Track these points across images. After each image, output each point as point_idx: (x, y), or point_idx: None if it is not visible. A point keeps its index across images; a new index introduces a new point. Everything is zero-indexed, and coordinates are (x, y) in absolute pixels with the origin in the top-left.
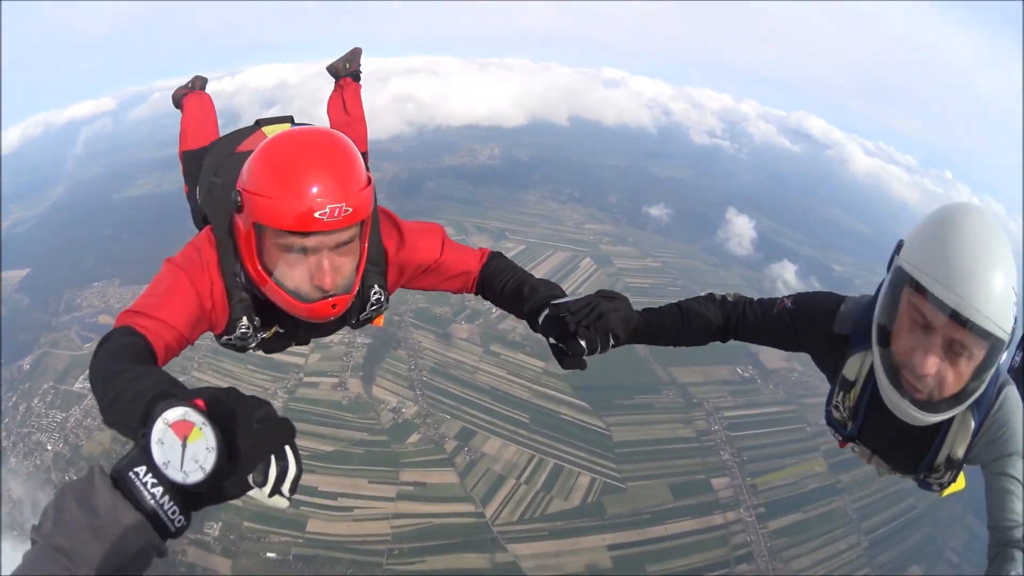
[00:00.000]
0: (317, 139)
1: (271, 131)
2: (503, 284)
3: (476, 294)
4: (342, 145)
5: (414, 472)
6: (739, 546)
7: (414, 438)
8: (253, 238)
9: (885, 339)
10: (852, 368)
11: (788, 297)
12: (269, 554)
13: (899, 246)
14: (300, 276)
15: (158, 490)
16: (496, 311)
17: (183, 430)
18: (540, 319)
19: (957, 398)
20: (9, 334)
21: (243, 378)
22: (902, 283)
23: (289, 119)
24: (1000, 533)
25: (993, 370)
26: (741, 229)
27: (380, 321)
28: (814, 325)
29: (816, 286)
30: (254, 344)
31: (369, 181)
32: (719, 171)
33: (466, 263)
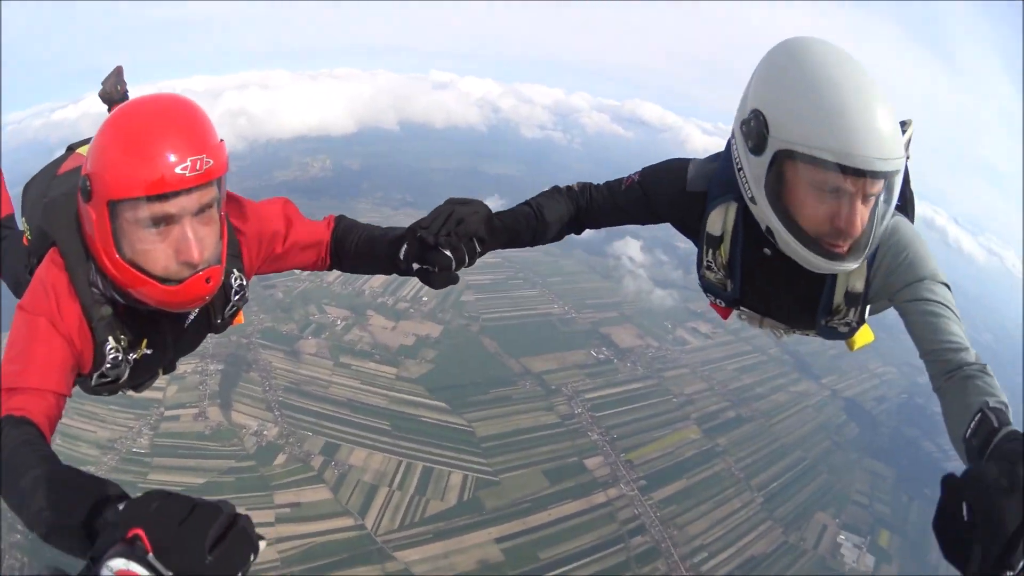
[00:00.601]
0: (161, 99)
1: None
2: (356, 241)
3: (330, 267)
4: (188, 102)
5: (287, 493)
6: (628, 520)
7: (280, 459)
8: (108, 223)
9: (785, 215)
10: (715, 223)
11: (635, 173)
12: None
13: (762, 121)
14: (164, 255)
15: None
16: (340, 322)
17: None
18: (401, 252)
19: (873, 235)
20: None
21: (108, 419)
22: (789, 161)
23: None
24: (943, 361)
25: (894, 198)
26: None
27: (241, 317)
28: (667, 188)
29: (663, 259)
30: (126, 372)
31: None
32: (552, 164)
33: (317, 232)
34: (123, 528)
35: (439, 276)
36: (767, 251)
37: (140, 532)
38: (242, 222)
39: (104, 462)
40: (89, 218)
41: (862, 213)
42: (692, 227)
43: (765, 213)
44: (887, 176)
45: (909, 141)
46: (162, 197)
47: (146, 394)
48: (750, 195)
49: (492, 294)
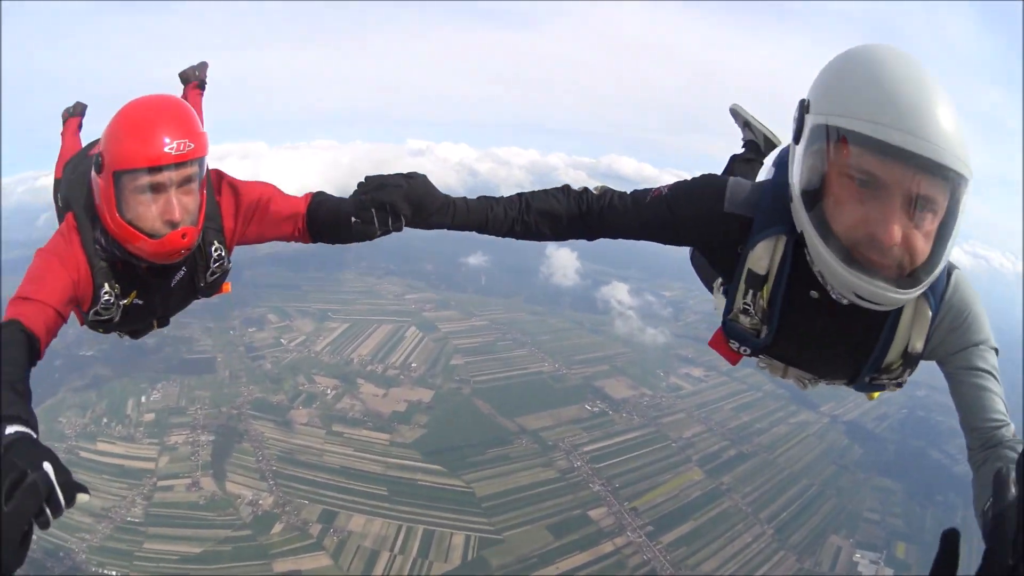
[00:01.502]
0: (159, 98)
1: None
2: (325, 212)
3: (311, 239)
4: (180, 102)
5: (286, 561)
6: (639, 566)
7: (277, 528)
8: (112, 189)
9: (823, 222)
10: (761, 259)
11: (664, 185)
12: None
13: (804, 105)
14: (153, 215)
15: None
16: (331, 391)
17: None
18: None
19: (930, 263)
20: None
21: (101, 488)
22: (828, 141)
23: None
24: (984, 435)
25: (959, 224)
26: (564, 261)
27: (228, 287)
28: (698, 207)
29: (651, 300)
30: (117, 316)
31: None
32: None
33: (295, 205)
34: None
35: (353, 227)
36: (814, 293)
37: None
38: (227, 198)
39: (99, 530)
40: (99, 187)
41: (904, 221)
42: (719, 253)
43: (798, 213)
44: (943, 173)
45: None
46: (154, 170)
47: (138, 464)
48: (789, 196)
49: (481, 356)
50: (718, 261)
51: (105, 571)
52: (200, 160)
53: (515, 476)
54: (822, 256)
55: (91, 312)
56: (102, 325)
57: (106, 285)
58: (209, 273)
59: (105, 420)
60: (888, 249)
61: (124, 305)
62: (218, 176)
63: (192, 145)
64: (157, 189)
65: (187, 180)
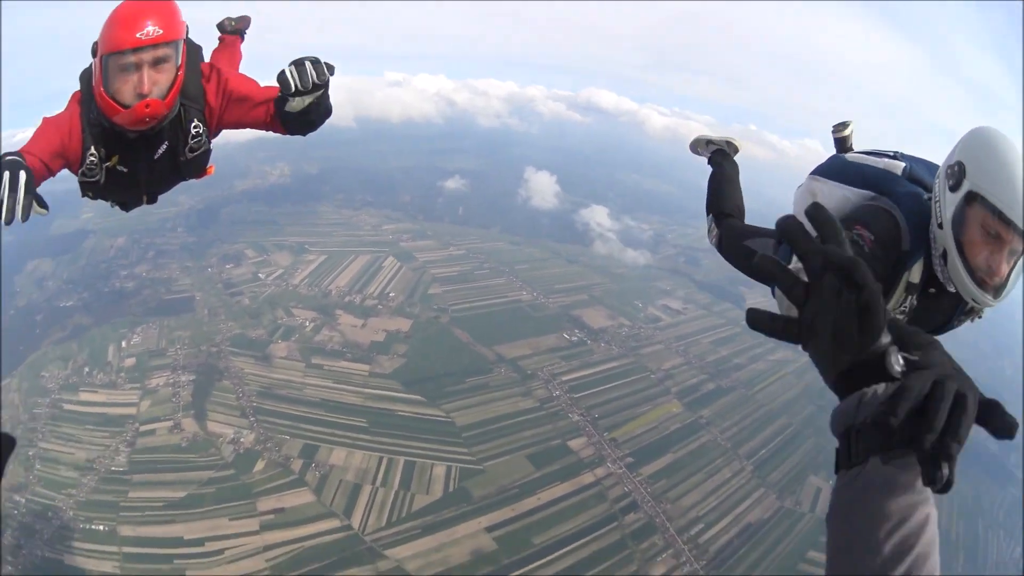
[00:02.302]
0: None
1: None
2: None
3: (280, 125)
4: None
5: (270, 499)
6: (619, 498)
7: (260, 465)
8: (100, 70)
9: (958, 244)
10: (915, 273)
11: (860, 227)
12: None
13: (962, 168)
14: (127, 89)
15: None
16: (309, 324)
17: None
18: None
19: (1009, 288)
20: None
21: (84, 439)
22: (976, 203)
23: None
24: None
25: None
26: (543, 185)
27: (211, 170)
28: (893, 253)
29: (631, 224)
30: (102, 178)
31: (186, 29)
32: (511, 152)
33: (269, 92)
34: None
35: (288, 77)
36: (932, 290)
37: None
38: (213, 82)
39: (84, 483)
40: (93, 68)
41: (1008, 261)
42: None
43: (946, 238)
44: None
45: (848, 137)
46: (126, 52)
47: (120, 411)
48: (939, 221)
49: (459, 285)
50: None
51: (93, 526)
52: (171, 43)
53: (494, 405)
54: (960, 274)
55: (80, 172)
56: (91, 188)
57: (92, 148)
58: (188, 149)
59: (87, 369)
60: (995, 279)
61: (107, 167)
62: (210, 66)
63: (160, 31)
64: (130, 69)
65: (160, 60)
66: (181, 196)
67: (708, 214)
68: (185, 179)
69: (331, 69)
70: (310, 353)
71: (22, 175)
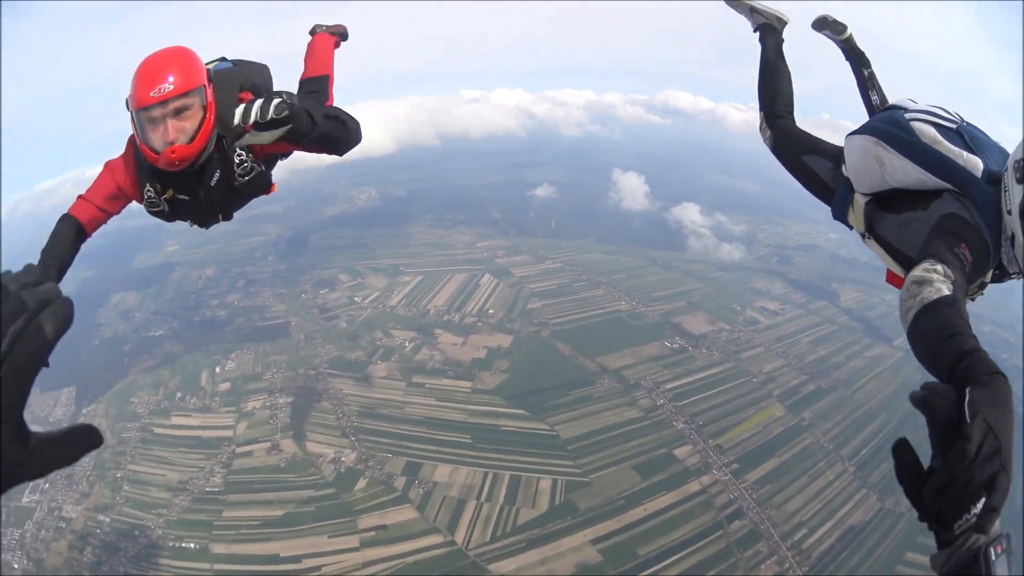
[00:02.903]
0: (158, 52)
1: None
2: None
3: (317, 150)
4: (172, 50)
5: (371, 517)
6: (725, 505)
7: (361, 483)
8: (134, 122)
9: None
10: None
11: (964, 247)
12: None
13: None
14: (157, 137)
15: None
16: (408, 344)
17: None
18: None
19: None
20: None
21: (177, 461)
22: None
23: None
24: None
25: None
26: (632, 186)
27: (274, 188)
28: (986, 262)
29: (722, 220)
30: (166, 207)
31: (206, 76)
32: (596, 160)
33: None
34: None
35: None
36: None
37: None
38: None
39: (176, 503)
40: (131, 121)
41: None
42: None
43: (1015, 224)
44: None
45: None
46: (145, 109)
47: (215, 434)
48: (1008, 208)
49: (558, 299)
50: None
51: (183, 543)
52: (188, 93)
53: (599, 417)
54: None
55: (144, 205)
56: (158, 215)
57: (147, 185)
58: (239, 175)
59: (179, 395)
60: None
61: (166, 199)
62: (248, 97)
63: (172, 87)
64: (154, 121)
65: (182, 109)
66: (268, 225)
67: (760, 111)
68: (250, 199)
69: (287, 107)
70: (411, 372)
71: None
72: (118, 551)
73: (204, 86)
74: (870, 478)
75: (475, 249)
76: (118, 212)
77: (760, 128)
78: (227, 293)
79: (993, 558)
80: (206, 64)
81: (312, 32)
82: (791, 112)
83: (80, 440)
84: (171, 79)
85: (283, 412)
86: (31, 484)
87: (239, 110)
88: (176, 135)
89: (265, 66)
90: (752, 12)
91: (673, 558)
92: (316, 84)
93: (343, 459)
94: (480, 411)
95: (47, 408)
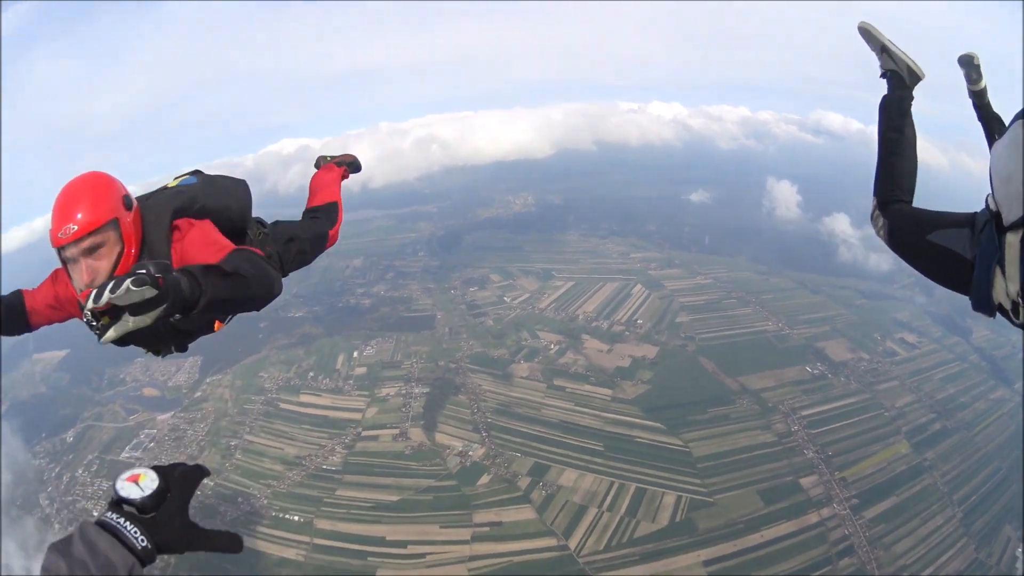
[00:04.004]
0: (69, 183)
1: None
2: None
3: None
4: (83, 181)
5: (488, 513)
6: (838, 541)
7: (485, 479)
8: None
9: None
10: None
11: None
12: None
13: None
14: (76, 279)
15: (122, 519)
16: (554, 346)
17: (133, 480)
18: None
19: None
20: (51, 409)
21: (298, 437)
22: None
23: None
24: None
25: None
26: (785, 194)
27: (219, 326)
28: None
29: (871, 232)
30: (100, 331)
31: (123, 205)
32: (751, 175)
33: (220, 255)
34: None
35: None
36: None
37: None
38: (175, 243)
39: (289, 477)
40: None
41: None
42: None
43: None
44: None
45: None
46: (58, 250)
47: (343, 415)
48: None
49: (707, 314)
50: None
51: (288, 515)
52: (97, 230)
53: (733, 437)
54: None
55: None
56: (99, 335)
57: (84, 310)
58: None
59: (311, 374)
60: None
61: (103, 324)
62: (188, 223)
63: (75, 228)
64: (70, 260)
65: (92, 248)
66: (422, 223)
67: (874, 195)
68: (198, 329)
69: (149, 280)
70: (553, 375)
71: None
72: (216, 514)
73: (118, 219)
74: (973, 526)
75: (628, 260)
76: (60, 321)
77: (871, 217)
78: (374, 283)
79: None
80: (175, 178)
81: (317, 164)
82: (911, 195)
83: (224, 541)
84: (79, 216)
85: (417, 402)
86: (133, 440)
87: (91, 295)
88: (91, 276)
89: (241, 182)
90: (883, 52)
91: None
92: (322, 212)
93: (471, 453)
94: (616, 420)
95: (168, 373)
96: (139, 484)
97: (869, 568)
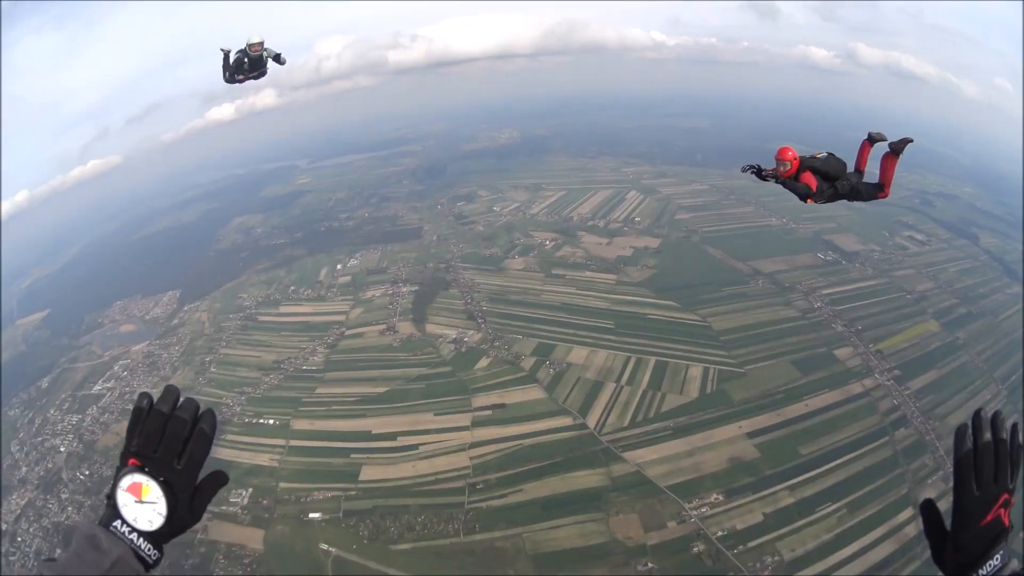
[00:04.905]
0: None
1: None
2: None
3: None
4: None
5: (489, 396)
6: (889, 411)
7: (483, 363)
8: None
9: None
10: None
11: None
12: (312, 515)
13: None
14: None
15: (134, 535)
16: (549, 243)
17: (135, 491)
18: None
19: None
20: (29, 361)
21: (276, 343)
22: None
23: None
24: None
25: None
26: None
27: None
28: None
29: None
30: None
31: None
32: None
33: None
34: (123, 459)
35: None
36: None
37: (132, 460)
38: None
39: (265, 382)
40: None
41: None
42: None
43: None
44: None
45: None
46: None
47: (325, 319)
48: None
49: (707, 212)
50: None
51: (261, 420)
52: None
53: (753, 312)
54: None
55: None
56: None
57: None
58: None
59: (292, 288)
60: None
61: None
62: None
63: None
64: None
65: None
66: (404, 159)
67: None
68: None
69: None
70: (550, 266)
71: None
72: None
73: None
74: (1021, 404)
75: (620, 173)
76: None
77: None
78: (357, 208)
79: None
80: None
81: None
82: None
83: (217, 482)
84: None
85: (405, 299)
86: (107, 373)
87: None
88: None
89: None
90: None
91: (837, 461)
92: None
93: (466, 339)
94: (625, 300)
95: (146, 309)
96: (142, 500)
97: (928, 439)
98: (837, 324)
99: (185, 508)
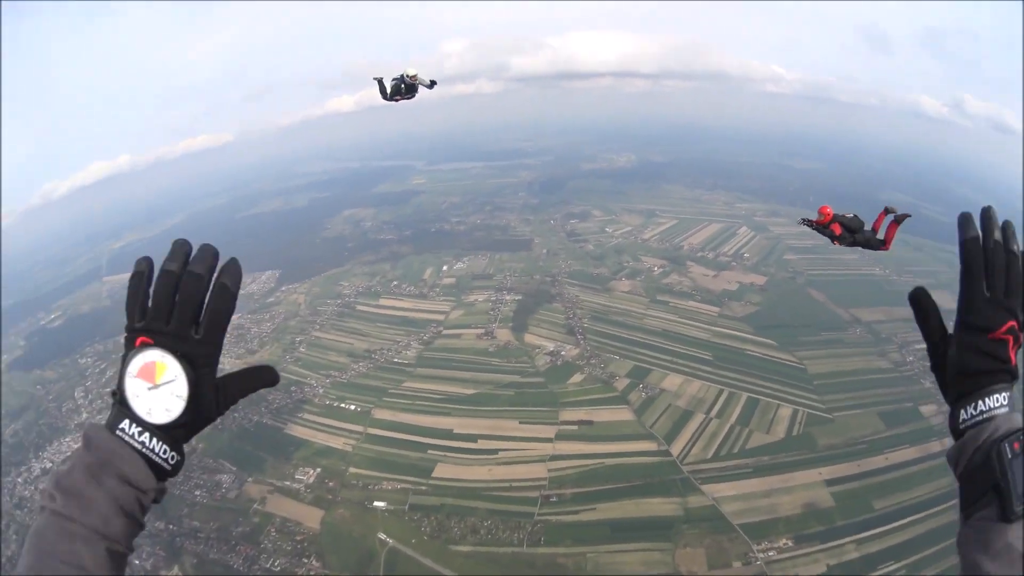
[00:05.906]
0: None
1: None
2: None
3: None
4: None
5: (577, 411)
6: None
7: (577, 378)
8: None
9: None
10: None
11: None
12: (377, 503)
13: None
14: None
15: (145, 436)
16: (657, 269)
17: (148, 374)
18: None
19: None
20: (110, 316)
21: (371, 334)
22: None
23: None
24: None
25: None
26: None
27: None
28: None
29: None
30: None
31: None
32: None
33: None
34: (129, 342)
35: None
36: None
37: (142, 339)
38: None
39: (353, 369)
40: None
41: None
42: None
43: None
44: None
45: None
46: None
47: (424, 316)
48: None
49: (814, 255)
50: None
51: (343, 404)
52: None
53: (849, 360)
54: None
55: None
56: None
57: None
58: None
59: (395, 283)
60: None
61: None
62: None
63: None
64: None
65: None
66: (522, 171)
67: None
68: None
69: None
70: (656, 291)
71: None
72: (262, 402)
73: None
74: None
75: (734, 208)
76: None
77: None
78: (470, 215)
79: (1009, 455)
80: None
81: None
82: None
83: (258, 377)
84: None
85: (507, 307)
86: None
87: None
88: None
89: None
90: None
91: (909, 518)
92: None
93: (563, 353)
94: (725, 333)
95: (243, 285)
96: (157, 383)
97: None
98: (927, 380)
99: (208, 389)
